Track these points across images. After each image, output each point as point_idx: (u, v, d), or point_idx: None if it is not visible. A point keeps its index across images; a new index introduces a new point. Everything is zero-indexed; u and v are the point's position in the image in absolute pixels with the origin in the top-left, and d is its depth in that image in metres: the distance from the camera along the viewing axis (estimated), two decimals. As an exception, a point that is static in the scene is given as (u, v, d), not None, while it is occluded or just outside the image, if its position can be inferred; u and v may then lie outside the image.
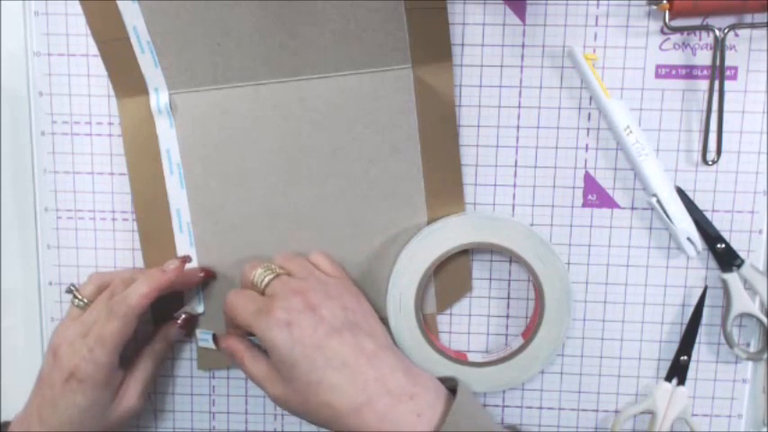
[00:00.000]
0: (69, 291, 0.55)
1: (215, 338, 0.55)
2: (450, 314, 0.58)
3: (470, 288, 0.58)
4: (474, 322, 0.58)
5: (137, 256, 0.59)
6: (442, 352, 0.56)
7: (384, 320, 0.56)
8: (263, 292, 0.51)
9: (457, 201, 0.56)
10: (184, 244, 0.57)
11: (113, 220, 0.59)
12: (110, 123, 0.57)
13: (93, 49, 0.55)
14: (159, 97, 0.55)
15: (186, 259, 0.56)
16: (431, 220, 0.56)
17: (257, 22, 0.53)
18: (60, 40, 0.56)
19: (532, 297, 0.58)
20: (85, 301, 0.54)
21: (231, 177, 0.56)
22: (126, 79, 0.55)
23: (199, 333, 0.57)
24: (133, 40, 0.54)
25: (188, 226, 0.57)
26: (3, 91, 0.58)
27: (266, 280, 0.51)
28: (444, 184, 0.56)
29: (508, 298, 0.58)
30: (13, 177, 0.59)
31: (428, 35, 0.53)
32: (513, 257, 0.56)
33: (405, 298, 0.56)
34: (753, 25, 0.53)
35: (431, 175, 0.56)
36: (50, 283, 0.60)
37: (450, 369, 0.56)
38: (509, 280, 0.58)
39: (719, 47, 0.52)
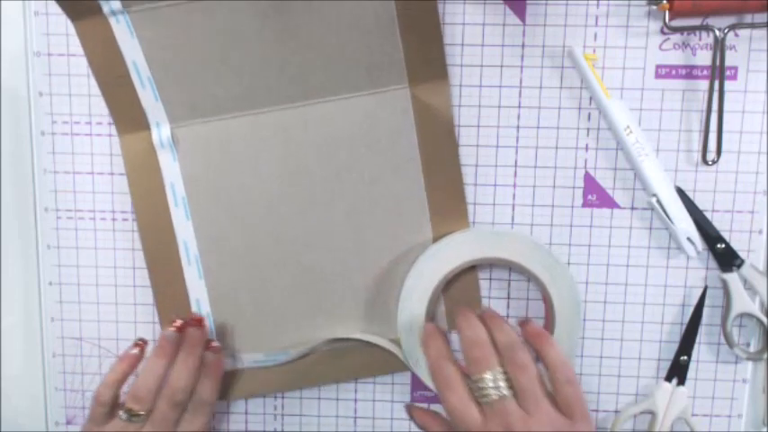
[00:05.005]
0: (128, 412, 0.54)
1: (409, 408, 0.57)
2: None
3: (480, 304, 0.58)
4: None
5: (137, 256, 0.59)
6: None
7: (396, 341, 0.56)
8: (477, 395, 0.49)
9: (461, 217, 0.56)
10: (193, 276, 0.57)
11: (113, 220, 0.59)
12: (110, 123, 0.57)
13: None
14: (161, 131, 0.55)
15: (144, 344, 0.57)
16: (436, 238, 0.56)
17: (254, 51, 0.53)
18: (60, 40, 0.56)
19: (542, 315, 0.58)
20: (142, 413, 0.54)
21: (236, 206, 0.56)
22: (128, 115, 0.55)
23: None
24: (134, 76, 0.54)
25: (196, 258, 0.57)
26: (3, 91, 0.58)
27: (491, 398, 0.48)
28: (447, 200, 0.56)
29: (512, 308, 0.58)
30: (13, 177, 0.59)
31: (423, 54, 0.53)
32: (520, 271, 0.56)
33: (415, 317, 0.55)
34: (753, 25, 0.53)
35: (433, 192, 0.56)
36: (50, 283, 0.60)
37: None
38: (508, 292, 0.58)
39: (719, 47, 0.52)
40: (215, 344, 0.57)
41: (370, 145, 0.55)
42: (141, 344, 0.56)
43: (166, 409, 0.54)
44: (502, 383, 0.47)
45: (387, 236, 0.56)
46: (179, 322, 0.55)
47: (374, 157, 0.55)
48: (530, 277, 0.55)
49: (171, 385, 0.54)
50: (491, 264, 0.56)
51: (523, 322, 0.52)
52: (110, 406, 0.55)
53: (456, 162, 0.55)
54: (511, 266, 0.55)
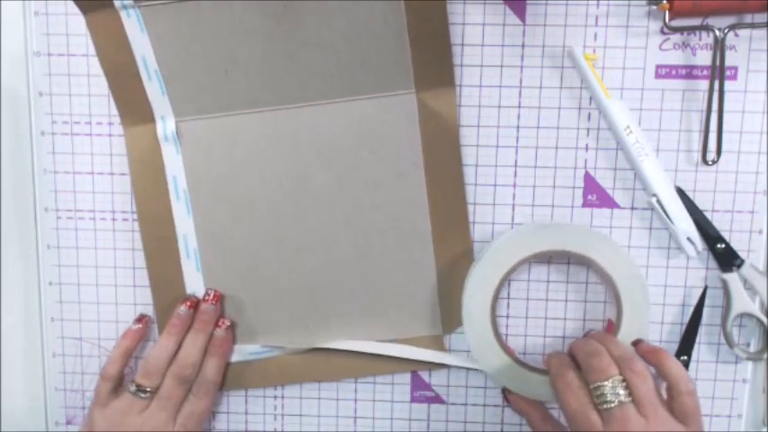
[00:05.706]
0: (139, 388, 0.55)
1: (505, 392, 0.57)
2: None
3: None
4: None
5: (137, 256, 0.59)
6: (521, 362, 0.56)
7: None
8: (596, 402, 0.49)
9: (462, 224, 0.56)
10: (191, 270, 0.57)
11: (113, 220, 0.59)
12: (110, 123, 0.57)
13: (93, 49, 0.55)
14: (166, 125, 0.55)
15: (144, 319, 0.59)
16: (436, 243, 0.56)
17: (263, 51, 0.53)
18: (60, 40, 0.56)
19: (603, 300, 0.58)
20: (149, 389, 0.55)
21: (237, 203, 0.56)
22: (133, 108, 0.55)
23: None
24: (141, 69, 0.54)
25: (195, 252, 0.57)
26: (3, 91, 0.58)
27: (611, 405, 0.48)
28: (449, 207, 0.56)
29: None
30: (13, 177, 0.59)
31: (431, 61, 0.53)
32: (587, 264, 0.56)
33: (483, 309, 0.55)
34: (753, 25, 0.53)
35: (436, 199, 0.56)
36: (50, 283, 0.60)
37: (522, 376, 0.56)
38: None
39: (719, 47, 0.52)
40: (225, 322, 0.57)
41: (374, 149, 0.55)
42: (143, 318, 0.58)
43: (172, 386, 0.55)
44: (621, 391, 0.49)
45: (387, 240, 0.56)
46: (193, 299, 0.57)
47: (377, 162, 0.55)
48: (596, 270, 0.55)
49: (179, 361, 0.55)
50: (563, 256, 0.56)
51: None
52: (114, 381, 0.56)
53: (459, 169, 0.56)
54: (577, 259, 0.55)
